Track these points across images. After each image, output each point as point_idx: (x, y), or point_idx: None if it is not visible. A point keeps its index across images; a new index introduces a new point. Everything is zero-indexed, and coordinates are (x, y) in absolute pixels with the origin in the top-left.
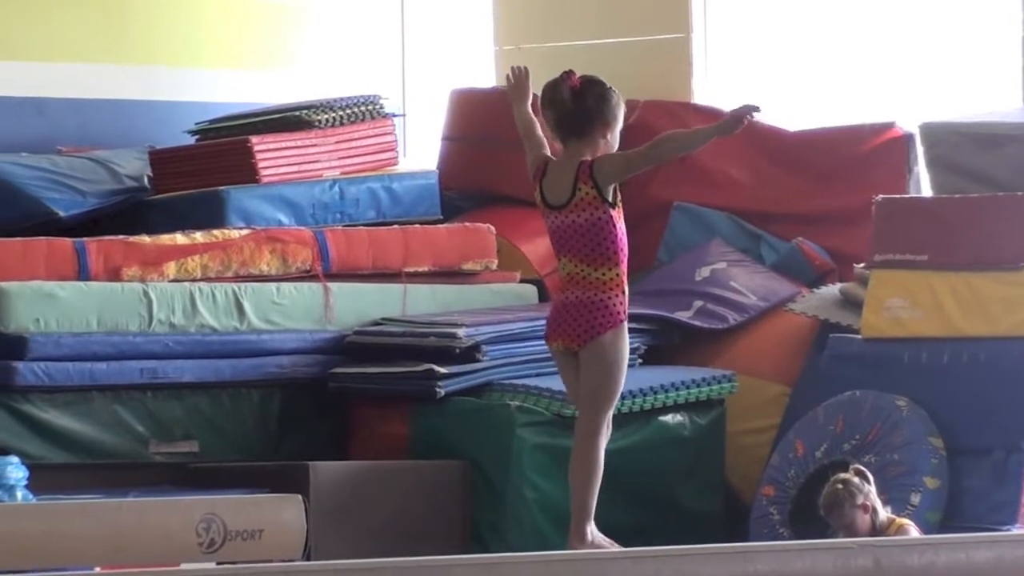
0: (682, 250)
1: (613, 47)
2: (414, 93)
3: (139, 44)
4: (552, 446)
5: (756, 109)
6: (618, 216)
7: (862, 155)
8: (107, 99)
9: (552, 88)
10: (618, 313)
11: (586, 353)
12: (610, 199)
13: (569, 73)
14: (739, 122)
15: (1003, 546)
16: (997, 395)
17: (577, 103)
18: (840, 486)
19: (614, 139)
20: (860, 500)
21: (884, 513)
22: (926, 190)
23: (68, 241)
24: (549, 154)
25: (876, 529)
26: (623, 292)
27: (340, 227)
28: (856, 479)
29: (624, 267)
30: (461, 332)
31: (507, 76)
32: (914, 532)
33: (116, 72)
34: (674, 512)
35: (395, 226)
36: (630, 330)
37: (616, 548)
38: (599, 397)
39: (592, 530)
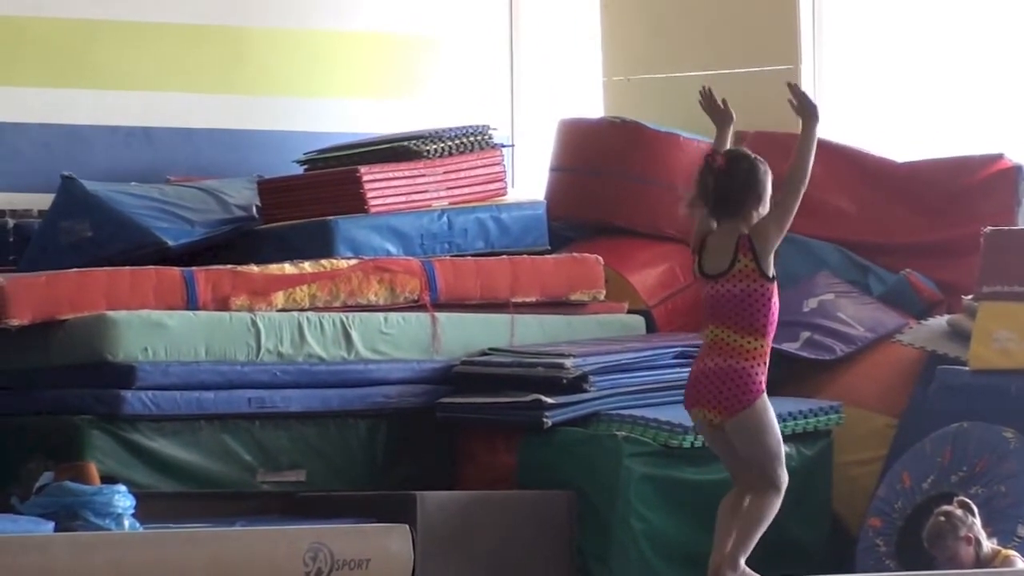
0: (790, 281)
1: (722, 78)
2: (523, 124)
3: (250, 74)
4: (659, 477)
5: (793, 85)
6: (774, 290)
7: (971, 186)
8: (217, 128)
9: (702, 175)
10: (759, 384)
11: (733, 427)
12: (769, 273)
13: (713, 156)
14: (806, 100)
15: None
16: None
17: (727, 183)
18: (943, 518)
19: (765, 209)
20: (963, 532)
21: (989, 545)
22: None
23: (177, 270)
24: (714, 227)
25: (980, 561)
26: (765, 364)
27: (448, 257)
28: (959, 511)
29: (770, 340)
30: (569, 362)
31: (702, 100)
32: (1020, 564)
33: (226, 102)
34: (781, 543)
35: (503, 256)
36: None
37: None
38: (763, 461)
39: (744, 567)
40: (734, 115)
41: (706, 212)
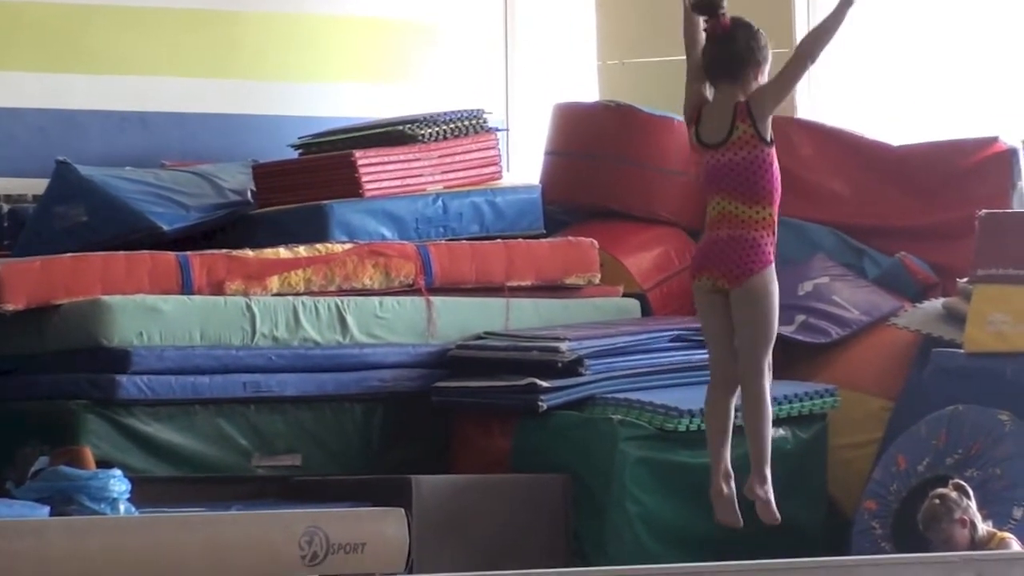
0: (785, 265)
1: None
2: (518, 107)
3: (244, 58)
4: (654, 460)
5: None
6: (774, 156)
7: (966, 169)
8: (211, 113)
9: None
10: (768, 253)
11: (739, 293)
12: (767, 137)
13: (717, 19)
14: None
15: None
16: None
17: (729, 46)
18: (937, 501)
19: (764, 79)
20: (958, 515)
21: (983, 527)
22: None
23: (171, 255)
24: (708, 96)
25: (975, 544)
26: (773, 233)
27: (443, 241)
28: (954, 494)
29: (776, 208)
30: (564, 346)
31: None
32: (1015, 546)
33: (221, 86)
34: (777, 526)
35: (498, 240)
36: None
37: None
38: (758, 337)
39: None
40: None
41: (704, 77)
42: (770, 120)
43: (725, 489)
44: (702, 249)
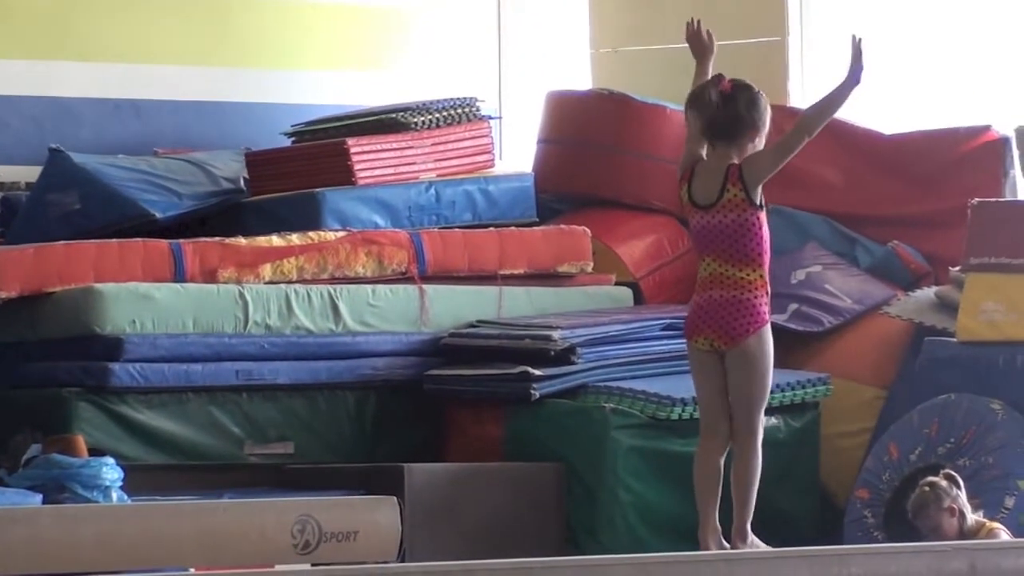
0: (777, 253)
1: None
2: (510, 96)
3: (237, 46)
4: (647, 448)
5: (858, 41)
6: (763, 219)
7: (958, 158)
8: (204, 101)
9: (700, 91)
10: (763, 313)
11: (734, 354)
12: (757, 202)
13: (719, 77)
14: (860, 60)
15: None
16: None
17: (727, 108)
18: (927, 489)
19: (761, 143)
20: (947, 503)
21: (973, 517)
22: (1022, 193)
23: (164, 243)
24: (704, 156)
25: (964, 533)
26: (767, 293)
27: (436, 229)
28: (944, 483)
29: (767, 269)
30: (556, 334)
31: (687, 32)
32: (1004, 536)
33: (214, 74)
34: (768, 514)
35: (491, 228)
36: None
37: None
38: (753, 398)
39: (751, 533)
40: (716, 48)
41: (701, 136)
42: (761, 187)
43: (712, 546)
44: (695, 310)
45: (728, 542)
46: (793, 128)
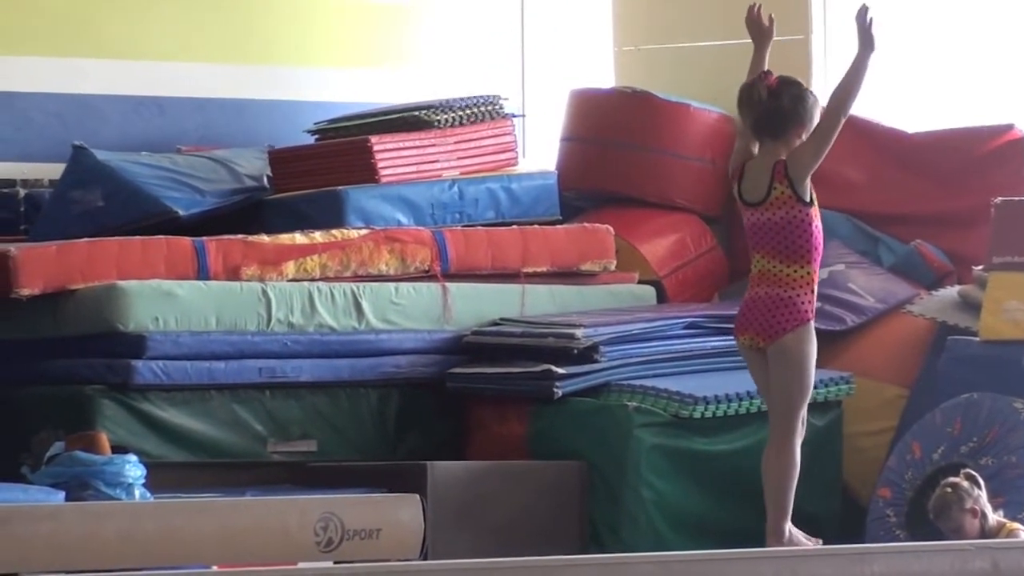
0: None
1: (733, 49)
2: (534, 94)
3: (261, 43)
4: (669, 447)
5: (864, 8)
6: (814, 214)
7: (982, 157)
8: (228, 98)
9: (748, 88)
10: (805, 311)
11: (773, 351)
12: (806, 198)
13: (766, 73)
14: (868, 29)
15: None
16: None
17: (773, 103)
18: (949, 490)
19: (807, 135)
20: (968, 504)
21: (994, 517)
22: None
23: (187, 240)
24: (755, 152)
25: (985, 533)
26: (812, 291)
27: (459, 227)
28: (965, 483)
29: (816, 266)
30: (579, 332)
31: (748, 15)
32: None
33: (237, 71)
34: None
35: (514, 226)
36: None
37: (817, 544)
38: (790, 396)
39: (790, 528)
40: (774, 34)
41: (749, 133)
42: (809, 180)
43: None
44: (742, 308)
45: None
46: (825, 113)
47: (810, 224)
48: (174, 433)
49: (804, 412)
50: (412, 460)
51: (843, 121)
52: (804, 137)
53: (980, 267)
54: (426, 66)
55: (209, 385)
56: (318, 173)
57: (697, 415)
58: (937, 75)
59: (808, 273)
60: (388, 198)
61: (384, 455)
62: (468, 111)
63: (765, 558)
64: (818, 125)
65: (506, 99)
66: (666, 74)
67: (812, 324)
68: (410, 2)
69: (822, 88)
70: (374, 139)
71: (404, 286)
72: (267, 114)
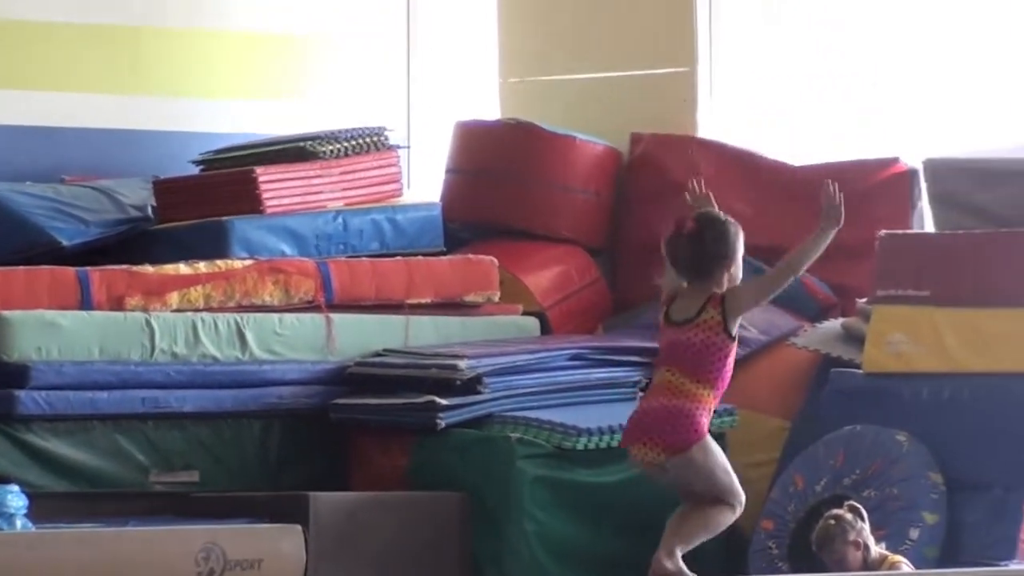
0: None
1: (618, 80)
2: (419, 125)
3: (146, 74)
4: (552, 479)
5: (831, 186)
6: (732, 350)
7: (866, 190)
8: (112, 129)
9: (671, 241)
10: (701, 427)
11: (675, 465)
12: (732, 332)
13: (682, 220)
14: (835, 208)
15: None
16: (998, 432)
17: (697, 248)
18: (832, 522)
19: (737, 271)
20: (852, 536)
21: (877, 550)
22: (929, 226)
23: (71, 270)
24: (685, 285)
25: (868, 566)
26: (710, 412)
27: (343, 258)
28: (849, 515)
29: (719, 394)
30: (463, 364)
31: (687, 195)
32: (906, 568)
33: (123, 102)
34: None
35: (398, 258)
36: (631, 363)
37: None
38: (715, 493)
39: (680, 560)
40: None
41: (677, 273)
42: (739, 320)
43: None
44: (634, 418)
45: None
46: (779, 268)
47: (727, 356)
48: (56, 463)
49: (739, 498)
50: (294, 491)
51: (789, 282)
52: (732, 270)
53: (864, 300)
54: (312, 97)
55: (92, 415)
56: (203, 204)
57: (580, 447)
58: (822, 108)
59: (710, 395)
60: (273, 229)
61: (267, 486)
62: (353, 142)
63: None
64: (766, 275)
65: (391, 130)
66: (551, 106)
67: (710, 439)
68: (296, 34)
69: (708, 118)
70: (259, 170)
71: (288, 317)
72: (152, 145)
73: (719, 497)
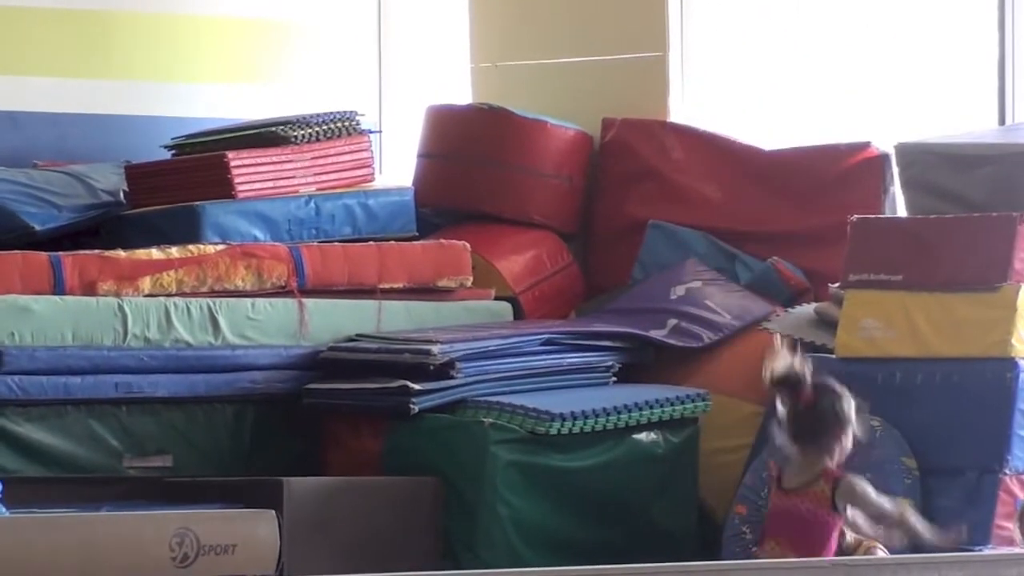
0: (657, 269)
1: (589, 65)
2: (390, 110)
3: (117, 58)
4: (526, 463)
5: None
6: (837, 525)
7: (838, 175)
8: (84, 113)
9: (791, 412)
10: None
11: None
12: (840, 510)
13: (800, 387)
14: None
15: (973, 566)
16: (970, 416)
17: (814, 416)
18: None
19: (847, 440)
20: None
21: (851, 534)
22: (901, 210)
23: (43, 255)
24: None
25: (842, 550)
26: None
27: (315, 243)
28: None
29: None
30: (435, 349)
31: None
32: (880, 553)
33: (94, 86)
34: (647, 530)
35: (370, 242)
36: (604, 348)
37: None
38: None
39: None
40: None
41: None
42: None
43: None
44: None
45: None
46: (879, 510)
47: (831, 533)
48: (29, 448)
49: None
50: (268, 475)
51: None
52: (843, 439)
53: (836, 285)
54: (283, 82)
55: (65, 400)
56: (175, 188)
57: (553, 431)
58: (794, 92)
59: None
60: (245, 214)
61: (240, 471)
62: (325, 127)
63: (621, 575)
64: (878, 504)
65: (363, 115)
66: (523, 91)
67: None
68: (267, 18)
69: (679, 104)
70: (231, 155)
71: (260, 302)
72: (124, 129)
73: None
